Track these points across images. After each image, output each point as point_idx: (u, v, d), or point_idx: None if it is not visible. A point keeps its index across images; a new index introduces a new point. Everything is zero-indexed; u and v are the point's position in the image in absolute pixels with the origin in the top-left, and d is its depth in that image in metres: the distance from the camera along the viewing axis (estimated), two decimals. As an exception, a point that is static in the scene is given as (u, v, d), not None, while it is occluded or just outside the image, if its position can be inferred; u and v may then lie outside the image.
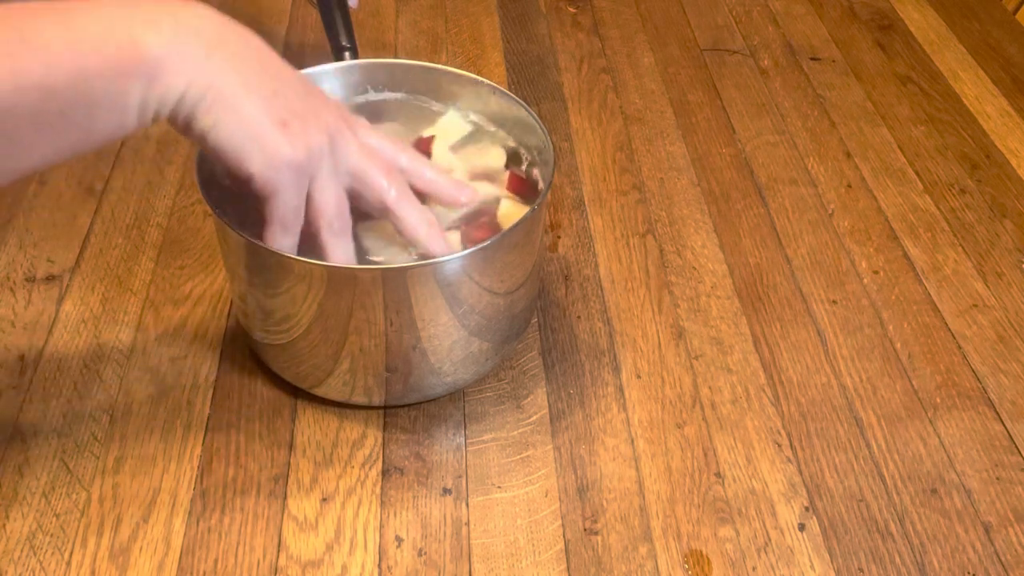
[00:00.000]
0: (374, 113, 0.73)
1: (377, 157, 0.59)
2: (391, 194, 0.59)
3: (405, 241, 0.61)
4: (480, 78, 0.71)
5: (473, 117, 0.72)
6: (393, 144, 0.62)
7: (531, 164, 0.68)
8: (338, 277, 0.59)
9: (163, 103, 0.50)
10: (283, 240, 0.57)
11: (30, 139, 0.48)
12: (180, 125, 0.52)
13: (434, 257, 0.60)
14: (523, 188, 0.67)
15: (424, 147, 0.69)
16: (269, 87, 0.53)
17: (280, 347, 0.65)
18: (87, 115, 0.49)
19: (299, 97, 0.55)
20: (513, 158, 0.69)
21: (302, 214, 0.57)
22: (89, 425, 0.65)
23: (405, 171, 0.61)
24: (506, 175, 0.68)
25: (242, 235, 0.58)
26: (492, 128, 0.71)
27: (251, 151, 0.53)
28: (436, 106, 0.73)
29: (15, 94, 0.46)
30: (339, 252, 0.59)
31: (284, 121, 0.53)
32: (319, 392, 0.66)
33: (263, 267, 0.61)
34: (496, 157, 0.69)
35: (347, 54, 0.76)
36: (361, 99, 0.73)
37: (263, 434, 0.65)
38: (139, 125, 0.51)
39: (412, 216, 0.60)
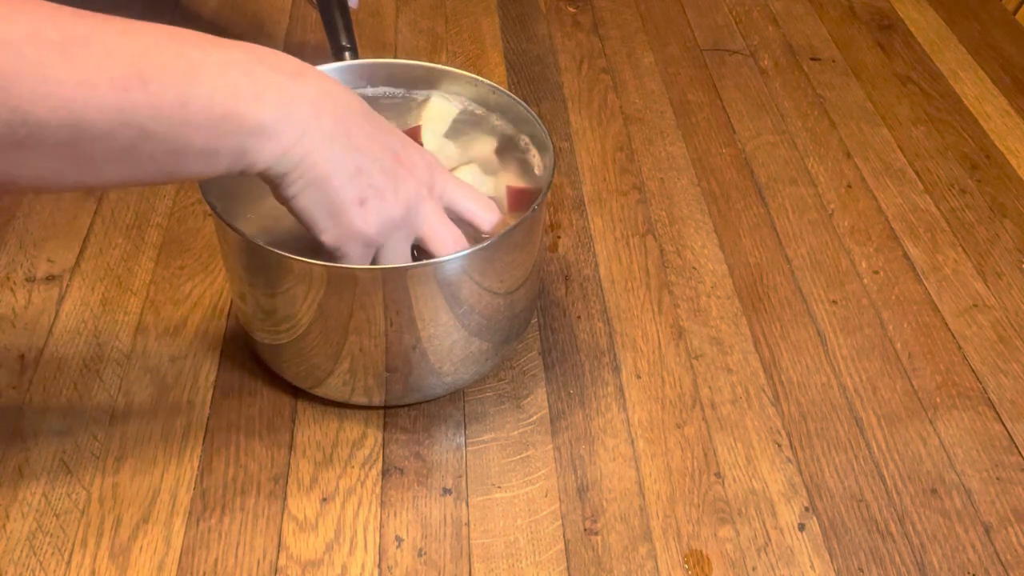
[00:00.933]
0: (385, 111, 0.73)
1: (448, 223, 0.60)
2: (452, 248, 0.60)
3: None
4: (479, 78, 0.71)
5: (458, 101, 0.72)
6: (477, 200, 0.62)
7: (526, 150, 0.68)
8: (338, 277, 0.59)
9: (253, 165, 0.52)
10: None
11: (113, 165, 0.49)
12: (267, 183, 0.54)
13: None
14: (523, 203, 0.67)
15: (413, 137, 0.69)
16: (355, 164, 0.55)
17: (280, 347, 0.65)
18: (175, 162, 0.50)
19: (384, 171, 0.56)
20: (508, 145, 0.69)
21: (366, 262, 0.58)
22: (89, 425, 0.65)
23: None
24: (504, 190, 0.68)
25: (242, 235, 0.58)
26: (480, 111, 0.71)
27: (326, 224, 0.55)
28: (419, 95, 0.73)
29: (117, 127, 0.47)
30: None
31: (363, 199, 0.55)
32: (319, 392, 0.66)
33: (263, 267, 0.61)
34: (487, 145, 0.69)
35: (347, 54, 0.76)
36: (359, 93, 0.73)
37: (263, 434, 0.65)
38: (225, 175, 0.52)
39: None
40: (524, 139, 0.70)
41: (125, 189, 0.82)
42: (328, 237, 0.56)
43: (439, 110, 0.71)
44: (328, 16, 0.78)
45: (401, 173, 0.57)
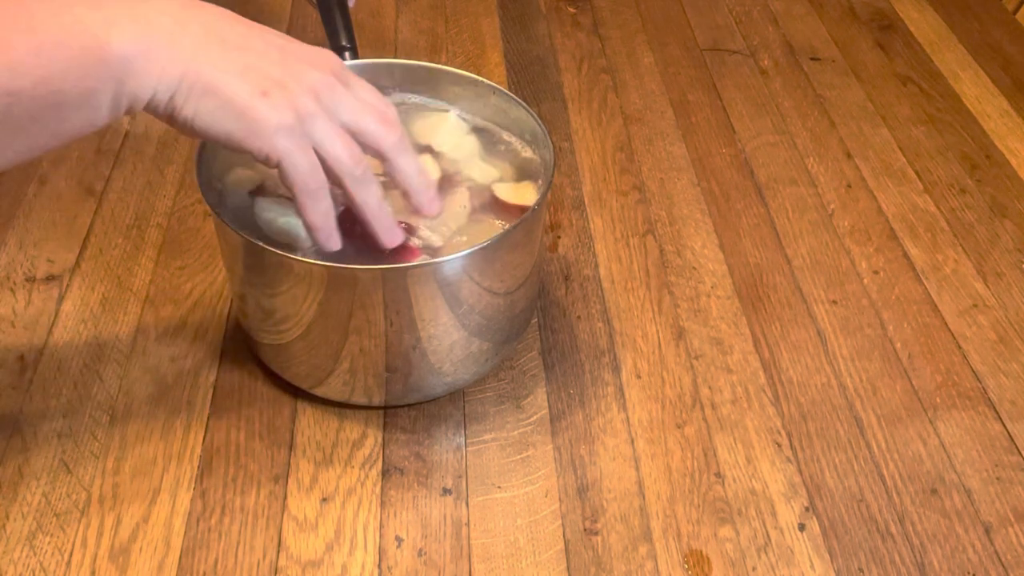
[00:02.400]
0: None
1: (370, 107, 0.58)
2: (388, 140, 0.58)
3: (399, 190, 0.60)
4: (479, 78, 0.71)
5: (474, 121, 0.72)
6: (386, 103, 0.60)
7: (519, 144, 0.68)
8: (338, 277, 0.59)
9: (136, 98, 0.51)
10: (316, 208, 0.56)
11: (1, 140, 0.48)
12: (162, 116, 0.52)
13: (423, 209, 0.60)
14: (514, 216, 0.66)
15: (426, 151, 0.70)
16: (241, 62, 0.53)
17: (280, 347, 0.65)
18: (56, 116, 0.49)
19: (276, 63, 0.55)
20: (525, 174, 0.69)
21: (320, 173, 0.56)
22: (89, 425, 0.65)
23: (390, 149, 0.60)
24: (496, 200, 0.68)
25: (241, 235, 0.58)
26: (492, 127, 0.71)
27: (239, 128, 0.53)
28: (436, 105, 0.73)
29: None
30: (371, 199, 0.58)
31: (264, 91, 0.53)
32: (319, 392, 0.66)
33: (263, 267, 0.61)
34: (491, 174, 0.69)
35: (347, 54, 0.76)
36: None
37: (263, 434, 0.65)
38: (113, 119, 0.51)
39: (408, 165, 0.59)
40: (522, 137, 0.70)
41: (119, 190, 0.82)
42: (249, 141, 0.53)
43: (453, 130, 0.72)
44: (328, 15, 0.78)
45: (294, 62, 0.55)
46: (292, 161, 0.55)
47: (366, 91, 0.59)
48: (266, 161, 0.55)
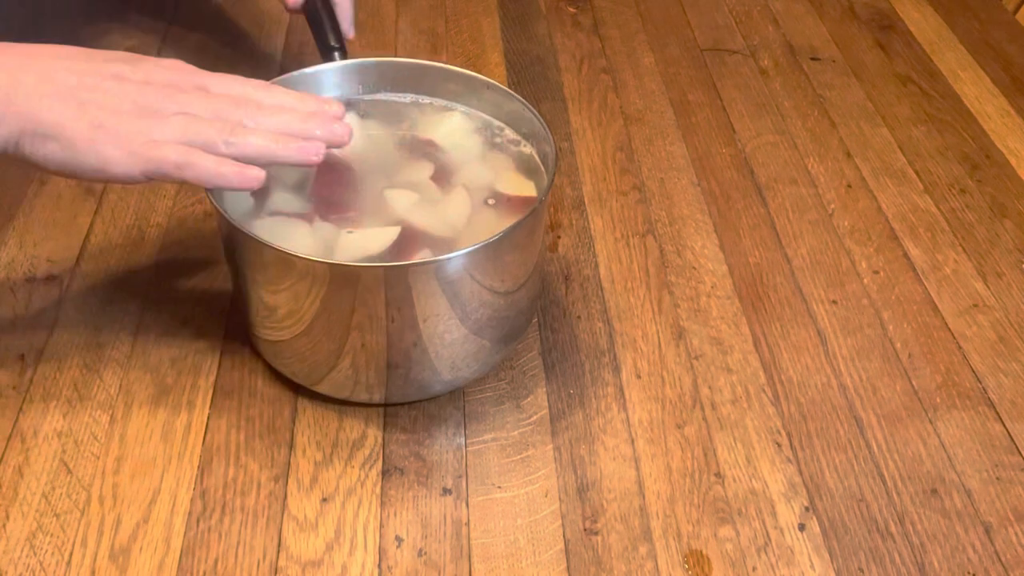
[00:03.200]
0: (384, 113, 0.73)
1: (222, 98, 0.59)
2: (238, 116, 0.59)
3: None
4: (473, 73, 0.71)
5: (477, 119, 0.72)
6: (248, 83, 0.61)
7: (518, 142, 0.68)
8: (340, 274, 0.59)
9: None
10: (205, 173, 0.57)
11: None
12: (26, 162, 0.56)
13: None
14: (519, 209, 0.67)
15: (431, 152, 0.70)
16: (75, 101, 0.56)
17: (282, 344, 0.65)
18: None
19: (111, 93, 0.57)
20: (524, 168, 0.69)
21: (189, 156, 0.57)
22: (89, 425, 0.65)
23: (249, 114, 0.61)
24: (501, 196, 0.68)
25: (245, 231, 0.58)
26: (503, 129, 0.71)
27: (94, 163, 0.56)
28: (439, 103, 0.73)
29: None
30: (252, 150, 0.59)
31: (99, 123, 0.56)
32: (320, 389, 0.66)
33: (265, 264, 0.61)
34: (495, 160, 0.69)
35: (336, 54, 0.75)
36: (369, 98, 0.73)
37: (263, 434, 0.65)
38: None
39: (271, 120, 0.60)
40: (520, 131, 0.70)
41: (119, 190, 0.82)
42: (112, 173, 0.56)
43: (458, 125, 0.72)
44: (314, 17, 0.77)
45: (129, 85, 0.57)
46: (165, 169, 0.57)
47: (222, 84, 0.60)
48: (149, 179, 0.57)
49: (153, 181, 0.57)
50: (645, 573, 0.59)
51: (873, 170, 0.91)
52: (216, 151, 0.58)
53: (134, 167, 0.56)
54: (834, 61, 1.05)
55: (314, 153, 0.60)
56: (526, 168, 0.69)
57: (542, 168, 0.68)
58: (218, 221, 0.63)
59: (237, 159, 0.58)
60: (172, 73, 0.60)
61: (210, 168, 0.57)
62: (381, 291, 0.59)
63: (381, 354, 0.62)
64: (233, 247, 0.63)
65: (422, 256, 0.62)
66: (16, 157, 0.56)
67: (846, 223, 0.85)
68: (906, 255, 0.82)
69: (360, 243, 0.63)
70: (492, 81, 0.71)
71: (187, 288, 0.74)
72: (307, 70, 0.72)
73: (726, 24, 1.11)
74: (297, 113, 0.61)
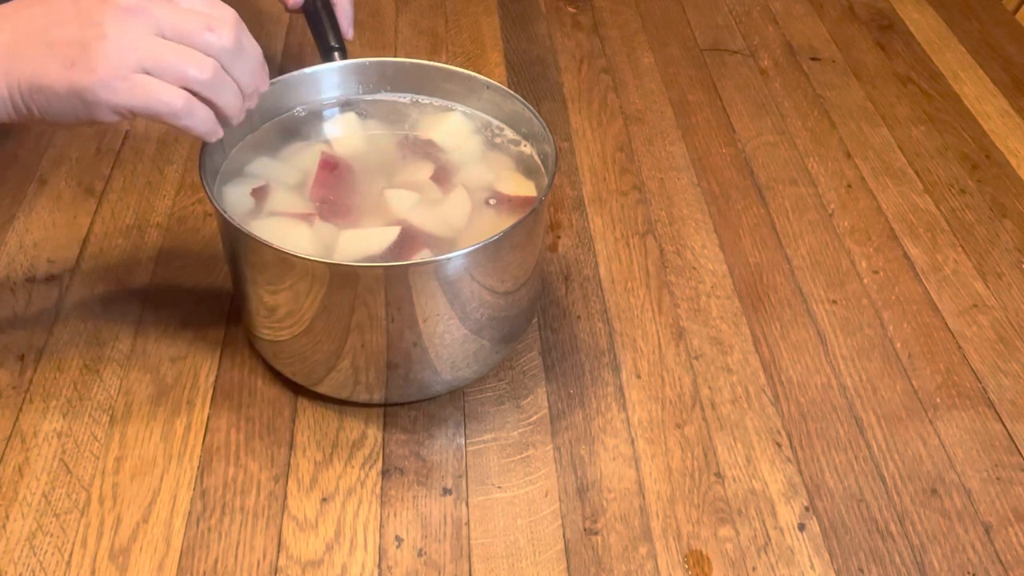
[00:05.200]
0: (384, 113, 0.73)
1: (194, 15, 0.57)
2: (217, 46, 0.57)
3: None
4: (472, 73, 0.71)
5: (477, 119, 0.72)
6: (216, 4, 0.59)
7: (540, 173, 0.68)
8: (340, 274, 0.59)
9: None
10: (198, 121, 0.57)
11: None
12: (26, 122, 0.56)
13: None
14: (519, 209, 0.67)
15: (431, 152, 0.70)
16: (45, 43, 0.54)
17: (282, 344, 0.65)
18: None
19: (74, 25, 0.55)
20: (524, 168, 0.69)
21: (174, 94, 0.56)
22: (89, 425, 0.65)
23: (221, 55, 0.58)
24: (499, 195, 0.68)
25: (246, 232, 0.58)
26: (502, 129, 0.71)
27: (77, 108, 0.55)
28: (439, 103, 0.73)
29: None
30: (229, 101, 0.58)
31: (72, 61, 0.54)
32: (320, 389, 0.66)
33: (265, 264, 0.61)
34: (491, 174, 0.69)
35: (336, 54, 0.75)
36: (369, 98, 0.73)
37: (263, 434, 0.65)
38: None
39: (243, 75, 0.59)
40: (519, 131, 0.70)
41: (119, 190, 0.82)
42: (95, 115, 0.55)
43: (458, 125, 0.72)
44: (314, 17, 0.77)
45: (94, 12, 0.55)
46: (141, 108, 0.55)
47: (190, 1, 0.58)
48: (125, 118, 0.56)
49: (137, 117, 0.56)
50: (645, 573, 0.59)
51: (873, 170, 0.91)
52: (200, 93, 0.57)
53: (114, 110, 0.55)
54: (834, 61, 1.05)
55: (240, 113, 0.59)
56: (526, 168, 0.69)
57: (542, 168, 0.68)
58: (218, 221, 0.63)
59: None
60: None
61: (199, 118, 0.56)
62: (381, 291, 0.59)
63: (381, 354, 0.62)
64: (233, 247, 0.63)
65: (422, 256, 0.62)
66: (14, 117, 0.55)
67: (846, 223, 0.85)
68: (906, 255, 0.82)
69: (360, 243, 0.63)
70: (492, 81, 0.71)
71: (187, 288, 0.74)
72: (307, 70, 0.72)
73: (726, 24, 1.11)
74: (259, 58, 0.60)
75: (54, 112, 0.55)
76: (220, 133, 0.58)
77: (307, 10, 0.78)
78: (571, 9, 1.11)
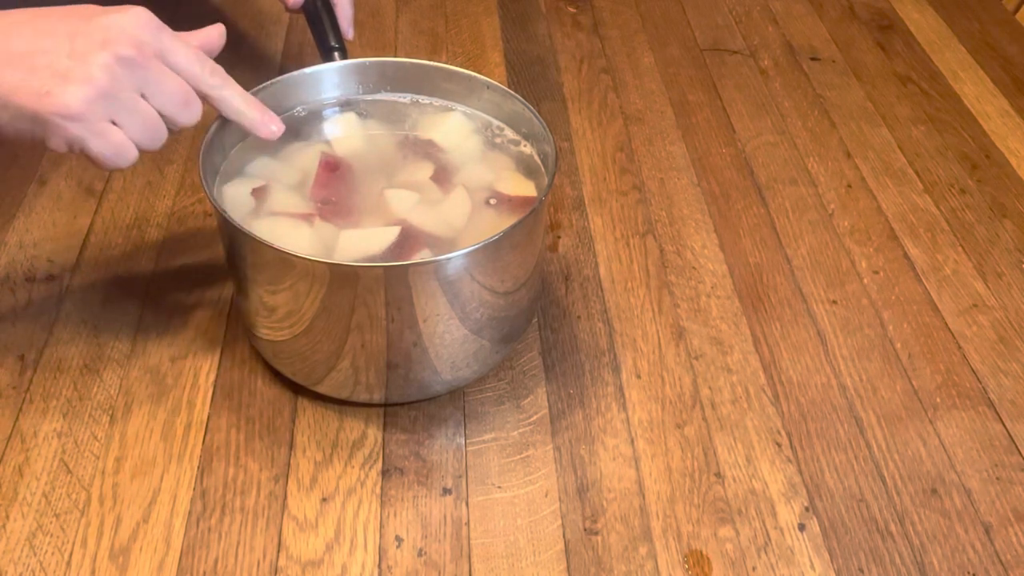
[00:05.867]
0: (384, 113, 0.73)
1: (185, 54, 0.59)
2: (203, 81, 0.59)
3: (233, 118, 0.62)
4: (472, 73, 0.71)
5: (477, 119, 0.72)
6: (196, 55, 0.61)
7: (540, 173, 0.68)
8: (340, 274, 0.59)
9: None
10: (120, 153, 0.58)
11: None
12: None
13: (258, 131, 0.63)
14: (519, 209, 0.67)
15: (431, 152, 0.70)
16: (24, 67, 0.55)
17: (282, 344, 0.65)
18: None
19: (64, 55, 0.56)
20: (524, 168, 0.69)
21: (124, 149, 0.57)
22: (89, 425, 0.65)
23: (211, 89, 0.61)
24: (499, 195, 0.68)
25: (246, 232, 0.58)
26: (502, 129, 0.71)
27: (38, 130, 0.56)
28: (439, 103, 0.73)
29: None
30: (231, 100, 0.61)
31: (46, 92, 0.55)
32: (321, 390, 0.66)
33: (265, 264, 0.61)
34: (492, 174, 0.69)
35: (336, 54, 0.75)
36: (369, 98, 0.73)
37: (263, 434, 0.65)
38: None
39: (232, 98, 0.61)
40: (519, 131, 0.70)
41: (119, 190, 0.82)
42: (51, 141, 0.56)
43: (458, 125, 0.72)
44: (314, 17, 0.77)
45: (84, 44, 0.56)
46: (94, 152, 0.57)
47: (180, 57, 0.59)
48: (73, 152, 0.57)
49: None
50: (645, 573, 0.59)
51: (873, 170, 0.91)
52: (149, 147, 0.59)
53: (68, 142, 0.56)
54: (834, 61, 1.05)
55: (271, 131, 0.63)
56: (526, 168, 0.69)
57: (542, 168, 0.68)
58: (218, 221, 0.63)
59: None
60: (133, 35, 0.58)
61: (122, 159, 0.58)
62: (381, 291, 0.59)
63: (381, 354, 0.62)
64: (233, 247, 0.63)
65: (422, 256, 0.62)
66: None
67: (846, 223, 0.85)
68: (906, 255, 0.82)
69: (360, 243, 0.63)
70: (492, 81, 0.71)
71: (187, 288, 0.74)
72: (307, 70, 0.72)
73: (726, 24, 1.11)
74: (249, 101, 0.63)
75: (6, 127, 0.56)
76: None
77: (307, 10, 0.78)
78: (571, 9, 1.11)
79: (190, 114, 0.59)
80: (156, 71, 0.57)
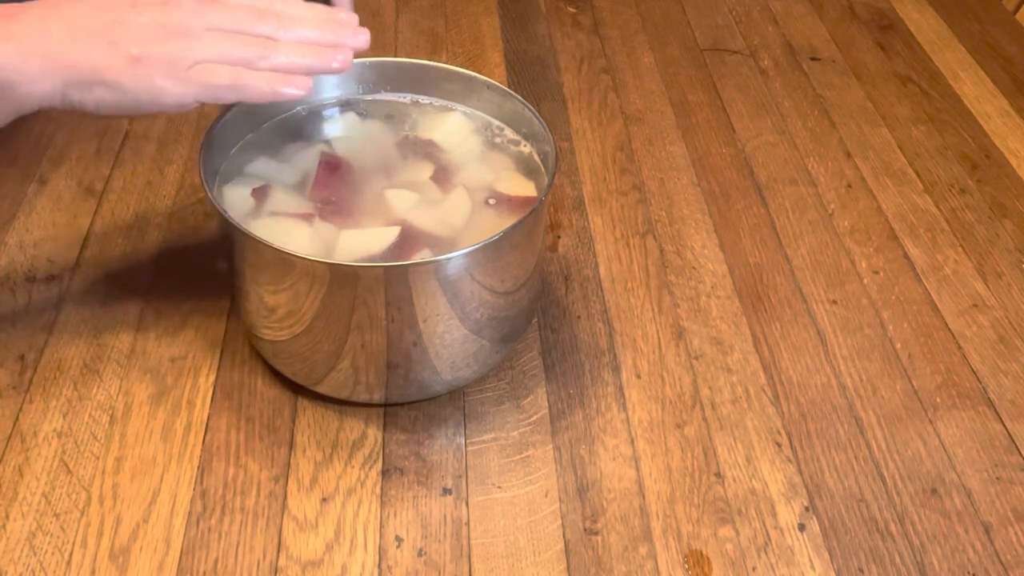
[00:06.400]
0: (384, 113, 0.73)
1: (242, 7, 0.60)
2: (268, 29, 0.60)
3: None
4: (472, 73, 0.72)
5: (476, 119, 0.72)
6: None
7: (540, 173, 0.68)
8: (340, 274, 0.59)
9: (29, 104, 0.56)
10: (257, 88, 0.58)
11: None
12: (76, 110, 0.56)
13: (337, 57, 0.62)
14: (519, 209, 0.67)
15: (431, 152, 0.70)
16: (105, 40, 0.56)
17: (282, 344, 0.65)
18: None
19: (135, 24, 0.56)
20: (524, 168, 0.69)
21: (231, 74, 0.57)
22: (89, 425, 0.65)
23: (274, 33, 0.61)
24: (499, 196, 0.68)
25: (246, 232, 0.58)
26: (502, 129, 0.71)
27: (142, 102, 0.56)
28: (439, 104, 0.73)
29: None
30: (286, 55, 0.60)
31: (135, 57, 0.56)
32: (320, 390, 0.66)
33: (265, 264, 0.61)
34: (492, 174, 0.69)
35: None
36: (369, 98, 0.73)
37: (263, 434, 0.65)
38: (17, 116, 0.56)
39: (294, 41, 0.61)
40: (519, 131, 0.70)
41: (119, 190, 0.82)
42: (162, 104, 0.56)
43: (458, 125, 0.72)
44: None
45: (151, 11, 0.57)
46: (206, 94, 0.57)
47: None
48: (194, 105, 0.57)
49: (206, 105, 0.58)
50: (645, 573, 0.59)
51: (873, 170, 0.91)
52: (254, 67, 0.58)
53: (187, 94, 0.57)
54: (834, 61, 1.05)
55: (342, 61, 0.62)
56: (526, 168, 0.69)
57: (542, 168, 0.68)
58: (218, 221, 0.63)
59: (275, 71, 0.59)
60: None
61: (262, 87, 0.58)
62: (381, 291, 0.59)
63: (381, 354, 0.62)
64: (233, 247, 0.63)
65: (422, 256, 0.62)
66: (68, 107, 0.56)
67: (846, 223, 0.85)
68: (906, 255, 0.82)
69: (360, 243, 0.63)
70: (492, 81, 0.71)
71: (187, 288, 0.74)
72: None
73: (726, 24, 1.11)
74: (318, 22, 0.62)
75: (110, 105, 0.56)
76: (293, 85, 0.59)
77: None
78: (571, 9, 1.11)
79: (267, 26, 0.59)
80: (219, 4, 0.58)
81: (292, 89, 0.59)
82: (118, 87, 0.56)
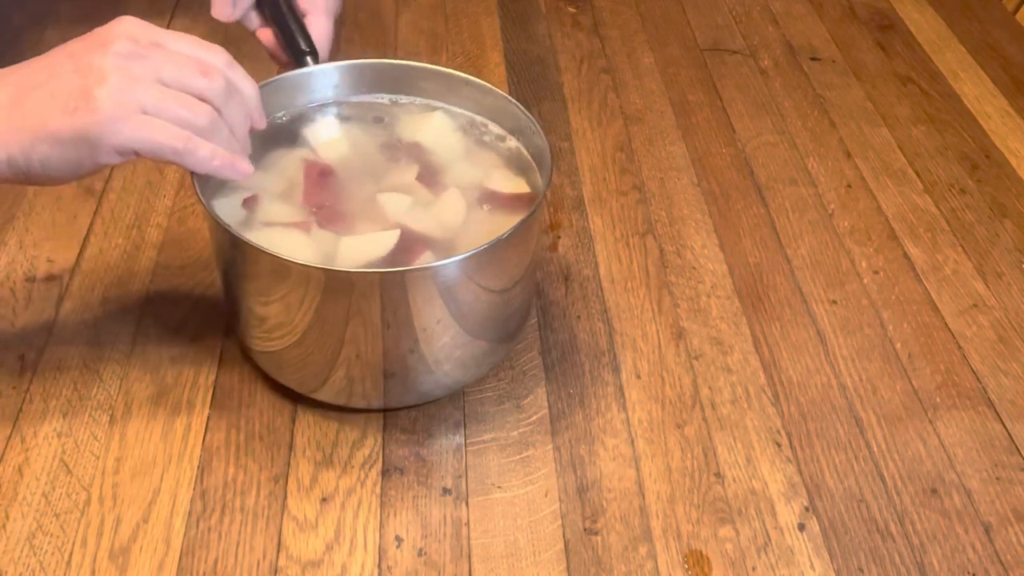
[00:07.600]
0: (364, 115, 0.73)
1: (187, 60, 0.59)
2: (212, 90, 0.58)
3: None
4: (449, 70, 0.71)
5: (461, 117, 0.72)
6: (207, 48, 0.60)
7: (531, 169, 0.68)
8: (335, 280, 0.58)
9: None
10: (199, 156, 0.58)
11: None
12: (27, 181, 0.57)
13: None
14: (517, 206, 0.67)
15: (415, 153, 0.70)
16: (46, 94, 0.55)
17: (274, 354, 0.64)
18: None
19: (73, 74, 0.56)
20: (513, 164, 0.69)
21: (175, 131, 0.57)
22: (89, 425, 0.65)
23: (215, 99, 0.60)
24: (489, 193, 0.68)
25: (240, 237, 0.58)
26: (480, 120, 0.71)
27: (79, 155, 0.56)
28: (420, 103, 0.72)
29: None
30: (222, 138, 0.59)
31: (74, 108, 0.55)
32: (317, 397, 0.66)
33: (258, 271, 0.60)
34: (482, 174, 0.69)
35: (308, 59, 0.73)
36: (353, 100, 0.73)
37: (263, 434, 0.65)
38: None
39: (234, 116, 0.60)
40: (527, 154, 0.70)
41: (119, 190, 0.82)
42: (99, 159, 0.56)
43: (442, 128, 0.71)
44: (282, 23, 0.75)
45: (87, 61, 0.56)
46: (145, 146, 0.56)
47: (182, 43, 0.59)
48: (128, 159, 0.57)
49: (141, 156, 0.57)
50: (645, 573, 0.59)
51: (873, 170, 0.91)
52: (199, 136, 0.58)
53: (119, 150, 0.56)
54: (834, 61, 1.05)
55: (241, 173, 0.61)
56: (516, 164, 0.69)
57: (532, 163, 0.67)
58: (214, 231, 0.62)
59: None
60: (125, 32, 0.58)
61: (201, 154, 0.58)
62: (376, 297, 0.58)
63: (377, 363, 0.62)
64: (228, 257, 0.62)
65: (424, 259, 0.62)
66: (15, 178, 0.56)
67: (846, 223, 0.85)
68: (906, 255, 0.82)
69: (362, 249, 0.63)
70: (471, 77, 0.70)
71: (187, 288, 0.74)
72: (285, 75, 0.70)
73: (726, 24, 1.11)
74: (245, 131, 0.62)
75: (55, 162, 0.56)
76: (235, 169, 0.60)
77: (274, 13, 0.76)
78: (571, 9, 1.11)
79: (211, 82, 0.58)
80: (159, 55, 0.58)
81: (236, 174, 0.60)
82: (60, 143, 0.55)
